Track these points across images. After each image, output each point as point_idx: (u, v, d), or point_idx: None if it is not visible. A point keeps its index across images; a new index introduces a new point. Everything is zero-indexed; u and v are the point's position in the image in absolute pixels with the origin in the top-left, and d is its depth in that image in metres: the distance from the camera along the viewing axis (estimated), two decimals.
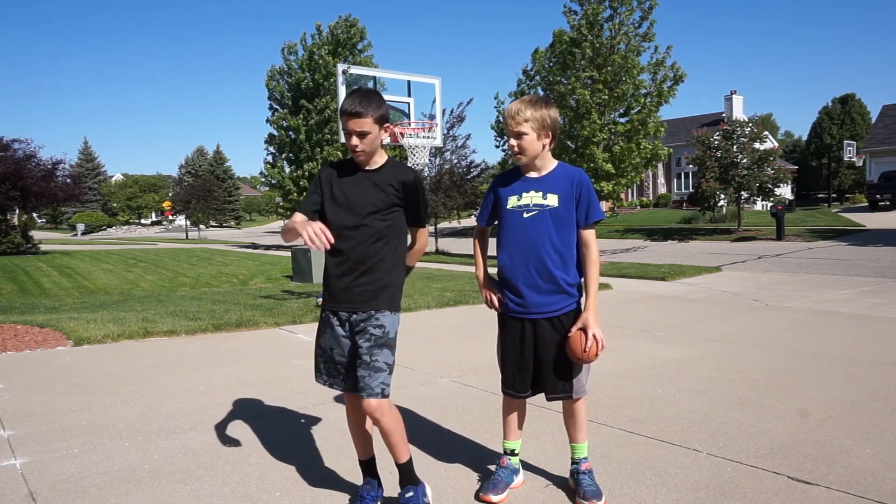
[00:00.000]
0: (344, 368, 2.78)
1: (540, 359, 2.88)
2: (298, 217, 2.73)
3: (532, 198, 2.84)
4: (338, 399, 4.56)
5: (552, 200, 2.82)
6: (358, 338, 2.71)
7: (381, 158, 2.79)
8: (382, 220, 2.73)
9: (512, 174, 2.96)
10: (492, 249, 3.05)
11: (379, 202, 2.72)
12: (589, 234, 2.86)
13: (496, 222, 3.01)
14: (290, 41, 27.26)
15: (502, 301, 2.94)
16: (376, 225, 2.72)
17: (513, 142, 2.83)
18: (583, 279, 2.88)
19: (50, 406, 4.49)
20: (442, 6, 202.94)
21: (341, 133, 2.88)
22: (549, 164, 2.91)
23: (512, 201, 2.87)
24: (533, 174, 2.89)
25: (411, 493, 2.76)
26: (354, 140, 2.67)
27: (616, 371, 5.16)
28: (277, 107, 27.25)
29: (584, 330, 2.78)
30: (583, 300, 2.88)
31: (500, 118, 18.44)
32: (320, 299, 10.22)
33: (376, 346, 2.68)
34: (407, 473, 2.79)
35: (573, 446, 2.99)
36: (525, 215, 2.83)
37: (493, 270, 2.98)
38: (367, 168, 2.77)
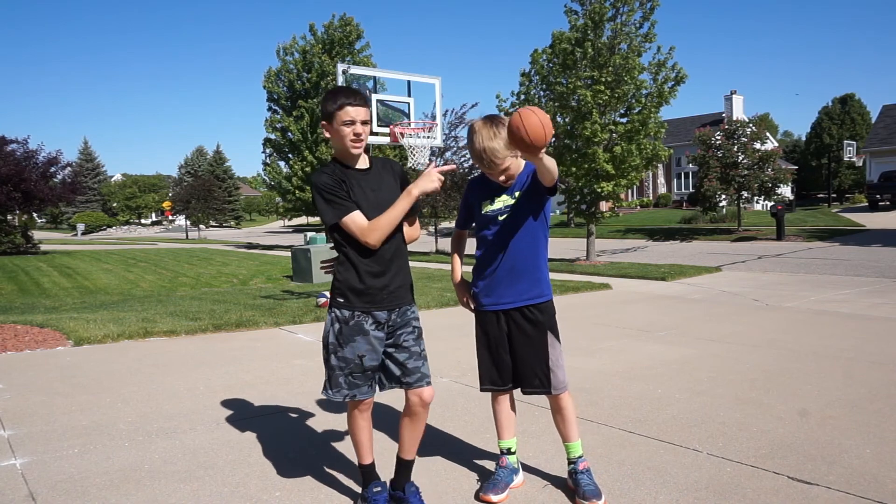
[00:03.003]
0: (372, 373, 2.73)
1: (515, 352, 2.97)
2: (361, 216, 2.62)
3: (504, 201, 2.94)
4: None
5: (519, 197, 2.93)
6: (400, 332, 2.76)
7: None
8: None
9: (485, 179, 3.00)
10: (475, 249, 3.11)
11: (394, 198, 2.69)
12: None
13: (473, 224, 3.11)
14: (284, 42, 27.26)
15: (474, 300, 3.04)
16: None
17: (503, 178, 2.87)
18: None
19: (50, 406, 4.49)
20: (442, 6, 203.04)
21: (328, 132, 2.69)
22: (519, 167, 2.96)
23: (485, 206, 2.98)
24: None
25: (414, 488, 2.84)
26: (360, 128, 2.61)
27: (616, 371, 5.16)
28: (276, 108, 27.21)
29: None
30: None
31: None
32: (322, 299, 10.06)
33: (420, 337, 2.82)
34: (411, 469, 2.87)
35: (567, 446, 3.00)
36: (499, 217, 2.93)
37: (469, 268, 3.06)
38: (360, 167, 2.72)
